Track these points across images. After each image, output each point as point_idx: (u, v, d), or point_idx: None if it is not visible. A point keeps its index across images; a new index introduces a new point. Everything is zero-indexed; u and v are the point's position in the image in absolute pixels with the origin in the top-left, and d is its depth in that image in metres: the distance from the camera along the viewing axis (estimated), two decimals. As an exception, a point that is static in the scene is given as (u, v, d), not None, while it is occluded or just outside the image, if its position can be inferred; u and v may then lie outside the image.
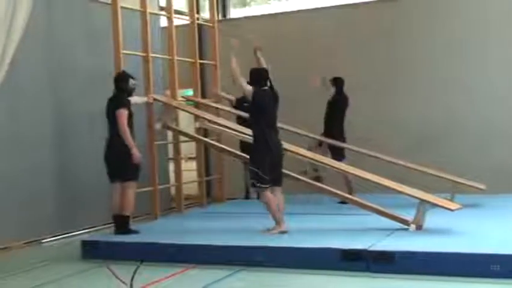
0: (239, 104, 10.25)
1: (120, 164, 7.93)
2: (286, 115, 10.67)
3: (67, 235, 9.02)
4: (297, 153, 8.53)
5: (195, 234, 7.72)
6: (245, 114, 10.19)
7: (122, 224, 7.95)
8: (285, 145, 8.15)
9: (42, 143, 8.92)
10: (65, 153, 9.25)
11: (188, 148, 11.39)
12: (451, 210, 7.20)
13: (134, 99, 8.36)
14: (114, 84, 8.18)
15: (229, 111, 10.49)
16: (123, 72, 8.39)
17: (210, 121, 9.83)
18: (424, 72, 10.98)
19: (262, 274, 6.41)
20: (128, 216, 8.02)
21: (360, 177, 7.89)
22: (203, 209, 10.26)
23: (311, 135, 10.07)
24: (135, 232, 7.92)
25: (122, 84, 8.13)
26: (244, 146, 9.70)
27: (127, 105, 8.00)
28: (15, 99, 8.46)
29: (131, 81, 8.19)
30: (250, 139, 9.25)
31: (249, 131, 9.16)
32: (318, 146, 9.83)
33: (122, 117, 7.88)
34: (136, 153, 7.88)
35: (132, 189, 8.01)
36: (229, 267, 6.62)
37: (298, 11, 12.15)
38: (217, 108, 10.45)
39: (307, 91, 11.50)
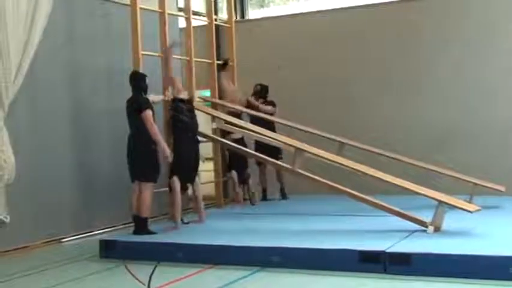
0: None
1: (140, 164, 7.98)
2: (303, 115, 10.80)
3: (86, 234, 9.07)
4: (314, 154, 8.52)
5: (212, 235, 7.74)
6: (262, 115, 10.23)
7: (140, 225, 7.99)
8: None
9: (61, 142, 8.98)
10: (84, 152, 9.31)
11: (206, 149, 11.40)
12: (470, 212, 7.16)
13: (151, 97, 8.41)
14: (131, 83, 8.22)
15: (244, 112, 10.50)
16: (138, 71, 8.46)
17: (226, 122, 9.85)
18: (444, 72, 10.90)
19: (279, 275, 6.41)
20: (146, 218, 8.05)
21: (378, 178, 7.85)
22: (220, 209, 10.28)
23: (329, 136, 10.04)
24: (153, 233, 7.95)
25: (141, 83, 8.19)
26: (259, 146, 9.79)
27: (150, 104, 8.06)
28: (35, 98, 8.53)
29: (147, 81, 8.26)
30: (266, 139, 9.33)
31: (265, 131, 9.24)
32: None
33: (149, 119, 7.93)
34: (167, 151, 7.98)
35: (149, 191, 8.05)
36: (246, 268, 6.62)
37: (317, 12, 12.12)
38: (234, 108, 10.45)
39: (325, 91, 11.52)
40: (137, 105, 8.01)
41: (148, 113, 7.95)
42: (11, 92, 7.82)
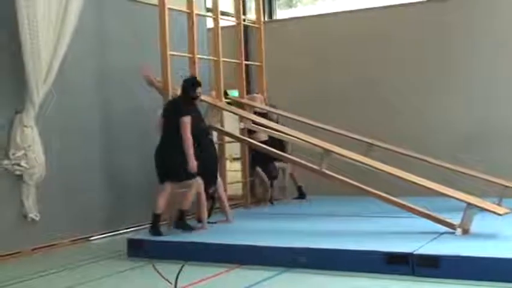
0: None
1: (182, 164, 7.94)
2: (331, 117, 10.76)
3: (114, 233, 9.15)
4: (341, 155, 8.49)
5: (239, 235, 7.75)
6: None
7: (180, 219, 8.03)
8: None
9: (90, 141, 9.07)
10: (112, 152, 9.38)
11: (233, 148, 11.44)
12: (499, 214, 7.07)
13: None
14: (183, 86, 8.25)
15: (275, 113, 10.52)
16: (195, 78, 8.56)
17: (254, 122, 9.86)
18: (473, 72, 10.80)
19: (305, 276, 6.40)
20: (185, 212, 8.06)
21: (405, 180, 7.79)
22: (247, 209, 10.29)
23: (356, 136, 9.99)
24: (192, 228, 7.99)
25: (191, 90, 8.20)
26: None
27: (190, 113, 8.03)
28: (64, 97, 8.60)
29: (198, 90, 8.27)
30: (292, 139, 9.34)
31: (292, 132, 9.25)
32: None
33: (185, 127, 7.90)
34: (193, 164, 7.88)
35: (195, 187, 8.04)
36: (272, 268, 6.63)
37: (345, 12, 12.08)
38: (260, 108, 10.45)
39: (352, 91, 11.48)
40: (180, 110, 8.01)
41: (186, 120, 7.91)
42: (42, 92, 7.94)
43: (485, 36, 10.70)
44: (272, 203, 10.53)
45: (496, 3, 10.74)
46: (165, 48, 8.94)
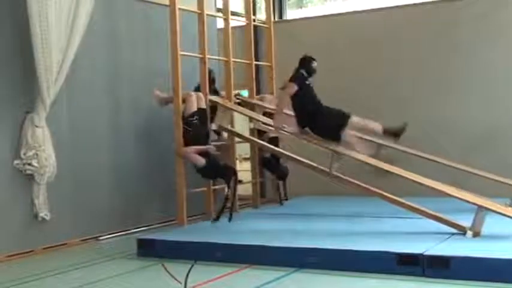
0: None
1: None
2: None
3: (124, 233, 9.16)
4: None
5: (249, 235, 7.75)
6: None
7: None
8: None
9: (100, 142, 9.08)
10: (122, 152, 9.40)
11: (243, 149, 11.45)
12: (511, 217, 7.02)
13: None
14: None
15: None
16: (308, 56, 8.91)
17: (264, 123, 9.86)
18: (482, 72, 10.74)
19: (315, 276, 6.39)
20: None
21: (415, 181, 7.76)
22: (257, 209, 10.29)
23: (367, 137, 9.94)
24: None
25: (304, 65, 8.75)
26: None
27: (297, 80, 8.61)
28: (75, 97, 8.64)
29: (313, 63, 8.77)
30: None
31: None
32: None
33: (286, 90, 8.66)
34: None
35: None
36: (282, 269, 6.62)
37: (354, 12, 12.07)
38: (271, 109, 10.45)
39: (363, 92, 11.45)
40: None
41: (291, 84, 8.58)
42: (52, 92, 7.96)
43: (497, 35, 10.64)
44: (281, 203, 10.54)
45: (507, 2, 10.68)
46: (175, 48, 8.96)
